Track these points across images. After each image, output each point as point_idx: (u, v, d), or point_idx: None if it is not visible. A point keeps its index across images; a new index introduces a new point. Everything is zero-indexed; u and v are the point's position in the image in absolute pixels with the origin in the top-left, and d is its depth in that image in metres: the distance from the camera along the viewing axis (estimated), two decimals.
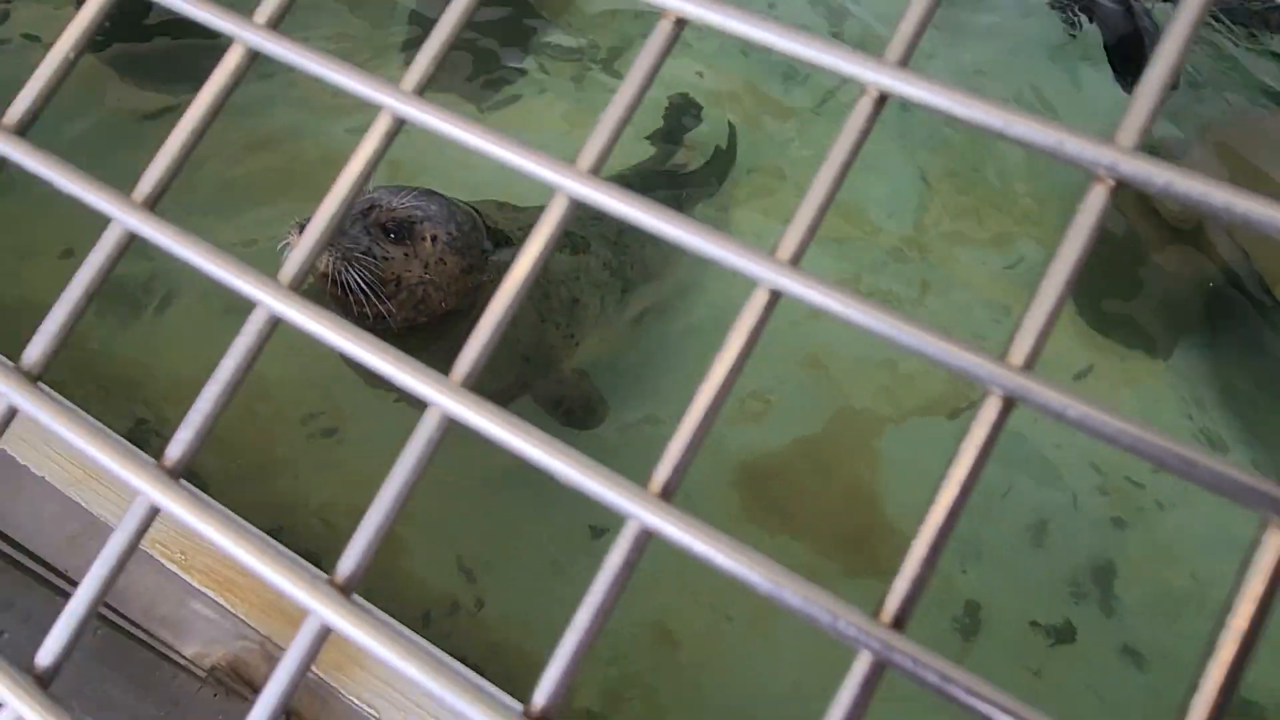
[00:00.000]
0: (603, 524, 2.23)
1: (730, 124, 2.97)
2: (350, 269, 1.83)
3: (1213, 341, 2.63)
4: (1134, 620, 2.20)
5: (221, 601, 1.76)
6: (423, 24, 3.18)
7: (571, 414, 2.36)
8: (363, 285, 1.85)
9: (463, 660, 1.71)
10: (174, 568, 1.76)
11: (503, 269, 2.12)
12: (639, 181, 2.78)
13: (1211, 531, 2.28)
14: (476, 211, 2.14)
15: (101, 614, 1.07)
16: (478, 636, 2.11)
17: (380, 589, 2.15)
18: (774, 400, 2.46)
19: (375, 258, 1.88)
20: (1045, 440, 2.42)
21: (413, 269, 1.96)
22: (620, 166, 2.80)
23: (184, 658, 1.43)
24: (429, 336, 2.06)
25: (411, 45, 3.12)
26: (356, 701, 1.63)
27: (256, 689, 1.58)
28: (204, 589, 1.75)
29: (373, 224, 1.91)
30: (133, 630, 1.14)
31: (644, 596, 2.09)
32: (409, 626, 1.80)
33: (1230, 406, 2.52)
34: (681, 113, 3.00)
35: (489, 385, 2.21)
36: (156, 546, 1.81)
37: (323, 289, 1.88)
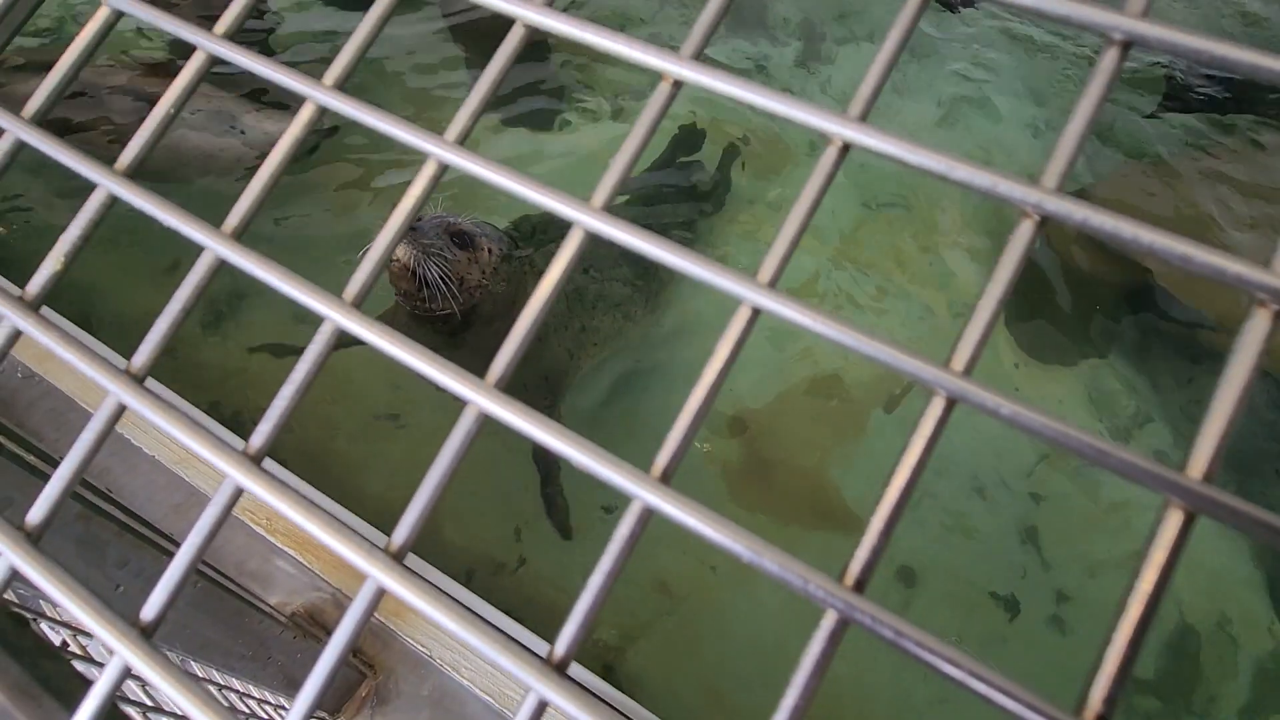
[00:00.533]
0: (611, 503, 2.22)
1: (727, 150, 2.94)
2: (428, 261, 1.85)
3: (1137, 342, 2.58)
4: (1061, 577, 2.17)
5: (300, 559, 1.76)
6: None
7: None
8: (437, 278, 1.86)
9: (505, 610, 1.71)
10: (261, 530, 1.77)
11: (520, 283, 2.10)
12: (654, 195, 2.78)
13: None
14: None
15: (200, 570, 1.07)
16: (517, 591, 2.11)
17: (434, 547, 2.15)
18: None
19: (447, 257, 1.89)
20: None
21: (473, 273, 1.97)
22: (639, 176, 2.79)
23: (269, 605, 1.43)
24: (472, 335, 2.06)
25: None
26: (411, 642, 1.63)
27: (329, 632, 1.58)
28: (286, 548, 1.75)
29: (445, 228, 1.92)
30: (225, 583, 1.14)
31: (648, 558, 2.08)
32: (462, 579, 1.80)
33: (1151, 399, 2.47)
34: (687, 139, 2.98)
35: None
36: (246, 513, 1.82)
37: (399, 278, 1.88)
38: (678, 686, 1.99)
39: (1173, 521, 0.25)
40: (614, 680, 1.70)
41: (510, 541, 2.20)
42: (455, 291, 1.91)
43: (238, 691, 1.27)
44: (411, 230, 1.84)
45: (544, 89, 3.11)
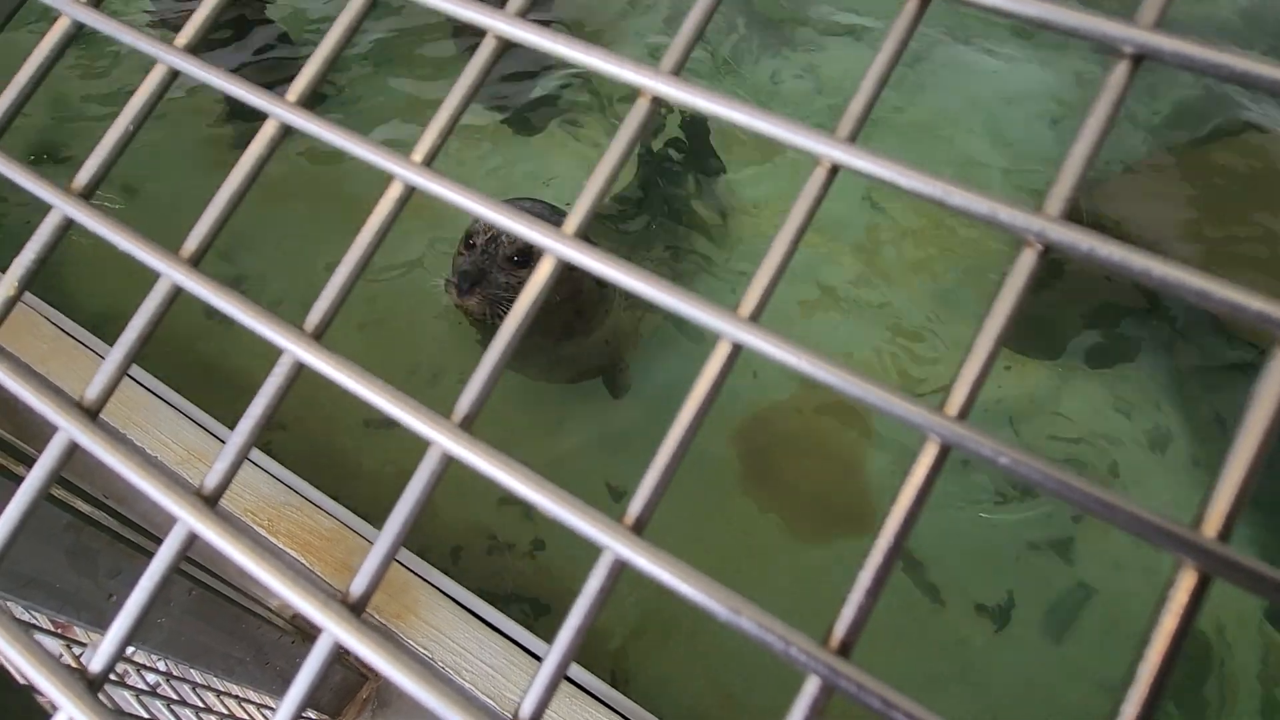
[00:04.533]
0: (621, 486, 2.21)
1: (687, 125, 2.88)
2: (498, 309, 1.85)
3: (1167, 347, 2.48)
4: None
5: (303, 560, 1.76)
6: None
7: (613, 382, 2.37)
8: (458, 280, 1.86)
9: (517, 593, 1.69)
10: (262, 531, 1.76)
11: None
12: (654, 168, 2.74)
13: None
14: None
15: (196, 576, 1.06)
16: (532, 576, 2.11)
17: (448, 526, 2.14)
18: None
19: (513, 289, 1.88)
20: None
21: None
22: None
23: (268, 609, 1.42)
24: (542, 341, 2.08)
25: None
26: (413, 644, 1.62)
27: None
28: (288, 549, 1.74)
29: (503, 259, 1.89)
30: (223, 589, 1.13)
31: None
32: (449, 558, 1.79)
33: (1180, 408, 2.37)
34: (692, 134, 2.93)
35: (585, 364, 2.21)
36: (248, 515, 1.81)
37: (479, 321, 1.91)
38: (687, 689, 1.98)
39: (1185, 584, 0.23)
40: (622, 686, 1.69)
41: (523, 519, 2.18)
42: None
43: (236, 697, 1.27)
44: (479, 273, 1.84)
45: (544, 96, 3.08)
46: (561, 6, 3.37)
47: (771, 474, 2.30)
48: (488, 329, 2.01)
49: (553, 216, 2.02)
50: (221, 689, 1.22)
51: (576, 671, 1.60)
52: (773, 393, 2.39)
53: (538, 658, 1.58)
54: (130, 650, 1.16)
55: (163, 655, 1.07)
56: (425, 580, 1.65)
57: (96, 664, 0.29)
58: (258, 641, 1.24)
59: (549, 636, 1.63)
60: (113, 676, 1.02)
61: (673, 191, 2.74)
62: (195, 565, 1.16)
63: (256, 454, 1.78)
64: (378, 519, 1.81)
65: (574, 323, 2.10)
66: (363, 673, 1.54)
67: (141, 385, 1.89)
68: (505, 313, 1.87)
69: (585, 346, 2.19)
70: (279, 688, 1.29)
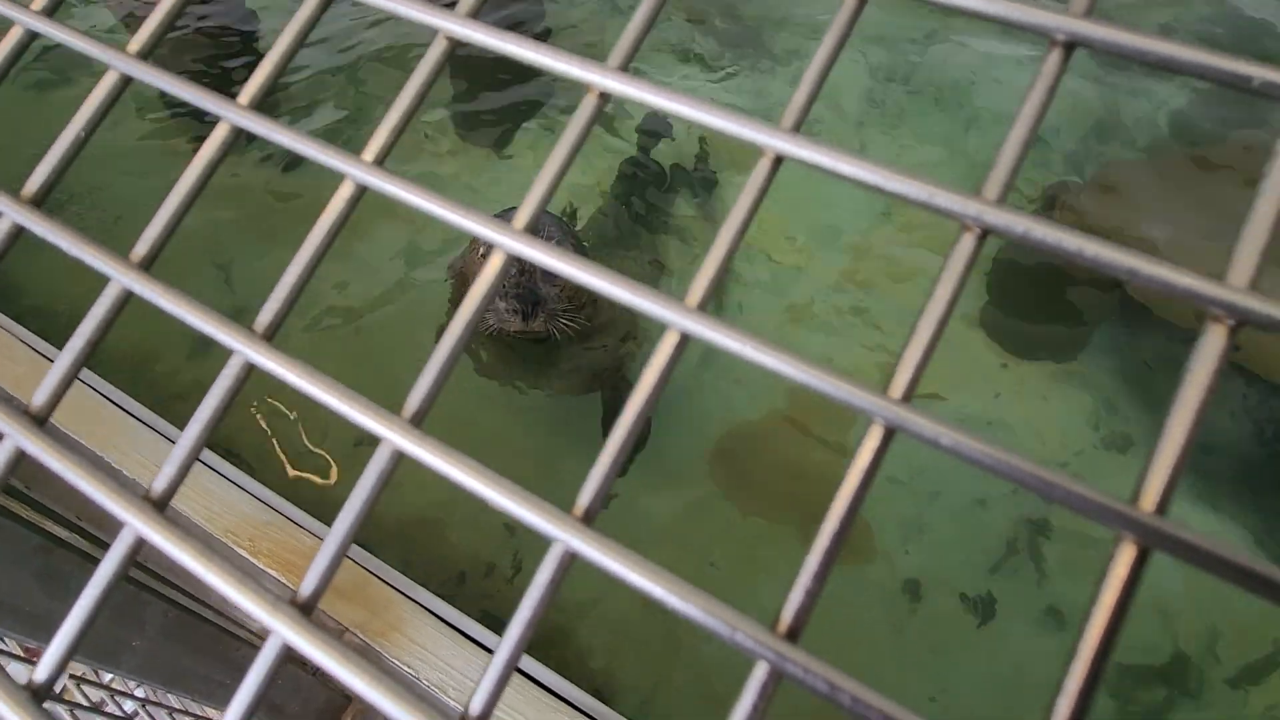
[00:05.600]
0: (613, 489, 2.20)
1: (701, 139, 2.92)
2: (560, 319, 1.90)
3: (1123, 348, 2.52)
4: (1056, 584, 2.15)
5: (285, 581, 1.73)
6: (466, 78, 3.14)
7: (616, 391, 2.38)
8: (570, 327, 1.91)
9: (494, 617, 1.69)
10: (243, 552, 1.74)
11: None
12: (639, 179, 2.77)
13: None
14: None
15: (173, 598, 1.05)
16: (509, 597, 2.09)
17: (425, 553, 2.12)
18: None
19: (564, 299, 1.92)
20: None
21: (580, 294, 1.97)
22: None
23: (248, 631, 1.40)
24: (568, 348, 2.09)
25: (457, 99, 3.10)
26: (398, 663, 1.61)
27: (305, 665, 1.55)
28: (269, 569, 1.72)
29: (542, 274, 1.91)
30: (201, 611, 1.12)
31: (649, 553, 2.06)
32: (454, 582, 1.78)
33: (1143, 407, 2.41)
34: (653, 129, 2.96)
35: (605, 361, 2.23)
36: (229, 535, 1.79)
37: (522, 334, 1.91)
38: (671, 696, 1.96)
39: (1125, 558, 0.24)
40: (606, 699, 1.67)
41: (504, 540, 2.17)
42: (577, 323, 1.91)
43: None
44: (532, 295, 1.86)
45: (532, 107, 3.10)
46: (555, 17, 3.39)
47: (753, 486, 2.30)
48: (542, 343, 2.01)
49: (553, 224, 2.04)
50: (200, 714, 1.20)
51: (570, 690, 1.58)
52: (750, 403, 2.40)
53: (527, 675, 1.57)
54: (108, 678, 1.14)
55: (139, 679, 1.05)
56: (409, 597, 1.63)
57: (40, 673, 0.28)
58: (238, 664, 1.22)
59: (535, 653, 1.62)
60: (85, 702, 1.00)
61: (653, 203, 2.76)
62: (175, 588, 1.15)
63: (237, 474, 1.77)
64: (362, 538, 1.80)
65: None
66: (346, 694, 1.52)
67: (124, 410, 1.87)
68: (564, 326, 1.91)
69: (592, 350, 2.19)
70: (262, 711, 1.27)
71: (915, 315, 0.27)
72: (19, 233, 0.36)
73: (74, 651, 0.29)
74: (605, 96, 0.32)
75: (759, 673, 0.25)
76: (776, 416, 2.39)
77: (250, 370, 0.31)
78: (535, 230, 0.32)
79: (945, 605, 2.10)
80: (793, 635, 0.25)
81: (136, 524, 0.29)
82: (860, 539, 2.20)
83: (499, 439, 2.36)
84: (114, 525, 0.30)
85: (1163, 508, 0.24)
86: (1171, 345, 2.46)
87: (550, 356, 2.15)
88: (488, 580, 2.14)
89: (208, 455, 1.87)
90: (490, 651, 1.64)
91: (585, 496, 0.27)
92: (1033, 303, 2.60)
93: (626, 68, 0.32)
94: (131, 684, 1.15)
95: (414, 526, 2.19)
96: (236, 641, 1.20)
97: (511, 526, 2.20)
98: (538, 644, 1.76)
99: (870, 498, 0.25)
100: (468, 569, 2.14)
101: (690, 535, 2.21)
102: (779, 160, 0.30)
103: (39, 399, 0.32)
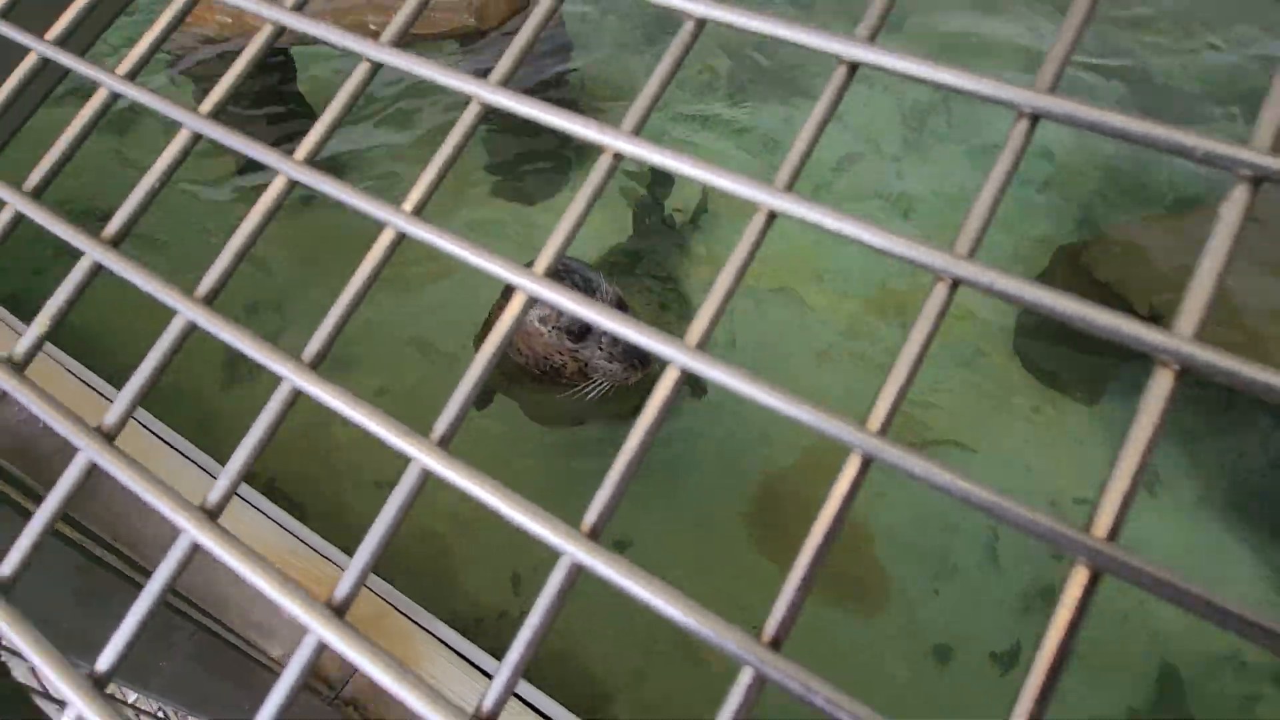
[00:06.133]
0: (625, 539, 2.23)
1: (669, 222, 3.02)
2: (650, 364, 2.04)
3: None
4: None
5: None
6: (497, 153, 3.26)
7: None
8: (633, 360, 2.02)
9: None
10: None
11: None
12: (648, 220, 2.87)
13: None
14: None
15: (199, 621, 1.08)
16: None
17: (441, 596, 2.15)
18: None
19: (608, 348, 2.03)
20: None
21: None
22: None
23: (270, 658, 1.43)
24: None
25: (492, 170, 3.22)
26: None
27: (330, 685, 1.57)
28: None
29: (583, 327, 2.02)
30: (225, 635, 1.15)
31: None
32: (463, 627, 1.79)
33: (1170, 442, 2.42)
34: (657, 182, 3.04)
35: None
36: None
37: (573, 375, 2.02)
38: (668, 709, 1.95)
39: (1078, 580, 0.26)
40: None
41: (508, 589, 2.20)
42: (621, 369, 2.02)
43: None
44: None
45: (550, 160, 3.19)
46: (581, 58, 3.51)
47: (782, 533, 2.31)
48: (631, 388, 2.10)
49: (583, 270, 2.12)
50: None
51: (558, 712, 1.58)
52: (782, 449, 2.42)
53: (536, 708, 1.57)
54: (133, 697, 1.17)
55: (165, 701, 1.08)
56: (427, 630, 1.65)
57: (102, 663, 0.32)
58: (260, 691, 1.24)
59: (545, 687, 1.62)
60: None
61: (665, 248, 2.85)
62: (198, 610, 1.18)
63: (264, 502, 1.82)
64: (382, 572, 1.83)
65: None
66: None
67: (160, 437, 1.94)
68: (615, 369, 1.98)
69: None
70: None
71: (894, 357, 0.30)
72: (98, 270, 0.40)
73: (133, 647, 0.32)
74: (619, 157, 0.36)
75: (744, 677, 0.27)
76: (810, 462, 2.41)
77: (297, 396, 0.35)
78: (557, 275, 0.35)
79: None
80: (775, 644, 0.27)
81: (192, 531, 0.33)
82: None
83: (532, 473, 2.42)
84: (167, 535, 0.34)
85: (1114, 534, 0.26)
86: (1196, 382, 2.44)
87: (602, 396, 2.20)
88: (500, 621, 2.15)
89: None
90: None
91: (592, 515, 0.30)
92: (1065, 330, 2.62)
93: (638, 131, 0.36)
94: (153, 705, 1.18)
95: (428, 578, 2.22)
96: (259, 668, 1.23)
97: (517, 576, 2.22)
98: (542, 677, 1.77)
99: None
100: (485, 616, 2.16)
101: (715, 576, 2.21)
102: (773, 215, 0.33)
103: (110, 418, 0.36)
